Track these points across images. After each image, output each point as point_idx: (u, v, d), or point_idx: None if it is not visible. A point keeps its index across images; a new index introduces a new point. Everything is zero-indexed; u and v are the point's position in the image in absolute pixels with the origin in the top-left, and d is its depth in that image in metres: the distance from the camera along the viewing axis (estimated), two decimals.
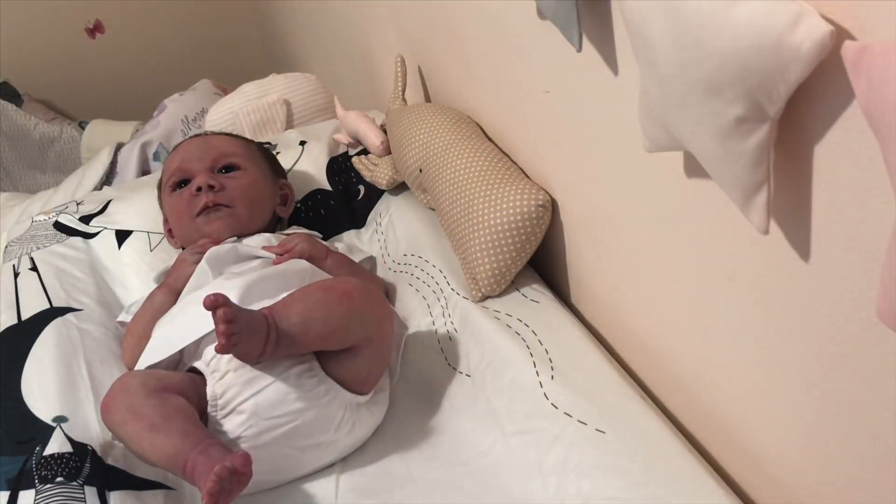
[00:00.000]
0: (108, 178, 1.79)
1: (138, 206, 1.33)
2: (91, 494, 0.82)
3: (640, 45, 0.59)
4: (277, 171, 1.28)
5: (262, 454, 0.85)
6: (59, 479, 0.83)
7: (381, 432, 0.95)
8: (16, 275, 1.19)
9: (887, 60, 0.39)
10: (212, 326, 0.83)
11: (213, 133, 1.34)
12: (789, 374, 0.65)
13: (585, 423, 0.81)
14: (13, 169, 2.21)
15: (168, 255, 1.24)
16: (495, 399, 0.89)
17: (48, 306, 1.11)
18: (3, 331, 1.07)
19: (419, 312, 1.06)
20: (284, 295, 0.91)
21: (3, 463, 0.85)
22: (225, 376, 0.89)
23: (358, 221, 1.31)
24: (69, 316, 1.10)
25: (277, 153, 1.36)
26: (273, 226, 1.22)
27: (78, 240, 1.28)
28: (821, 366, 0.60)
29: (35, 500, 0.81)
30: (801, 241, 0.57)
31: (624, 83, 0.72)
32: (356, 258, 1.15)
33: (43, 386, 0.96)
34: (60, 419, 0.91)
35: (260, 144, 1.32)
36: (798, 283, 0.59)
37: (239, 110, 1.63)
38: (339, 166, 1.35)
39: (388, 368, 0.99)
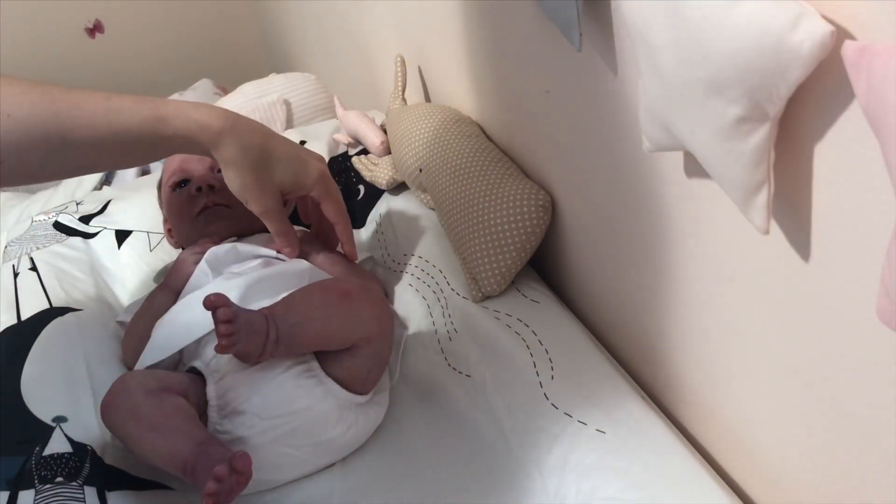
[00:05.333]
0: (107, 178, 1.79)
1: (138, 206, 1.33)
2: (91, 494, 0.82)
3: (641, 44, 0.59)
4: None
5: (262, 454, 0.85)
6: (59, 479, 0.83)
7: (381, 432, 0.95)
8: (15, 275, 1.19)
9: (887, 60, 0.39)
10: (212, 326, 0.83)
11: None
12: (789, 374, 0.65)
13: (585, 423, 0.81)
14: None
15: (168, 255, 1.24)
16: (495, 399, 0.89)
17: (48, 306, 1.11)
18: (3, 331, 1.07)
19: (419, 312, 1.06)
20: (284, 295, 0.91)
21: (2, 463, 0.85)
22: (225, 376, 0.90)
23: (358, 221, 1.30)
24: (69, 316, 1.10)
25: None
26: None
27: (78, 240, 1.28)
28: (821, 366, 0.60)
29: (35, 500, 0.81)
30: (801, 241, 0.57)
31: (624, 83, 0.72)
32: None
33: (43, 386, 0.96)
34: (60, 419, 0.91)
35: None
36: (798, 283, 0.59)
37: (239, 110, 1.63)
38: (339, 166, 1.35)
39: (388, 368, 0.99)
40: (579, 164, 0.90)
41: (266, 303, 0.91)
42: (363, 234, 1.29)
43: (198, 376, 0.92)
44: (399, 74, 1.28)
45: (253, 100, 1.66)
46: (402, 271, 1.14)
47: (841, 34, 0.45)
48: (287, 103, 1.67)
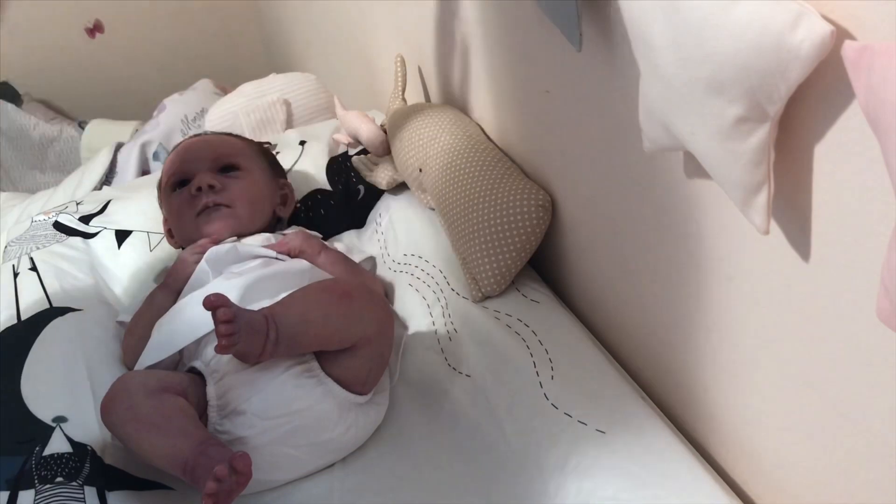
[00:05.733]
0: (107, 178, 1.79)
1: (138, 206, 1.33)
2: (91, 494, 0.82)
3: (640, 45, 0.59)
4: (277, 171, 1.28)
5: (261, 454, 0.85)
6: (59, 479, 0.83)
7: (381, 432, 0.95)
8: (15, 275, 1.19)
9: (887, 60, 0.39)
10: (212, 326, 0.83)
11: (213, 133, 1.34)
12: (789, 374, 0.64)
13: (585, 423, 0.81)
14: (13, 169, 2.21)
15: (168, 255, 1.24)
16: (495, 399, 0.89)
17: (48, 306, 1.11)
18: (3, 331, 1.07)
19: (419, 312, 1.06)
20: (284, 295, 0.91)
21: (3, 463, 0.85)
22: (225, 376, 0.89)
23: (358, 221, 1.30)
24: (69, 316, 1.10)
25: (277, 153, 1.36)
26: (273, 226, 1.22)
27: (78, 240, 1.28)
28: (821, 366, 0.60)
29: (35, 500, 0.81)
30: (801, 241, 0.57)
31: (624, 83, 0.72)
32: (356, 258, 1.15)
33: (43, 386, 0.96)
34: (60, 419, 0.91)
35: (260, 144, 1.32)
36: (798, 283, 0.59)
37: (239, 110, 1.63)
38: (339, 166, 1.35)
39: (388, 369, 0.99)
40: (579, 164, 0.90)
41: (266, 303, 0.91)
42: (363, 234, 1.29)
43: (198, 376, 0.92)
44: (399, 74, 1.28)
45: (253, 100, 1.66)
46: (402, 271, 1.14)
47: (841, 34, 0.45)
48: (287, 103, 1.67)
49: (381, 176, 1.25)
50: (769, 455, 0.72)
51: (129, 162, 1.79)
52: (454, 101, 1.22)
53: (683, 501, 0.72)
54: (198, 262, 1.07)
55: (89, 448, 0.88)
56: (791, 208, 0.56)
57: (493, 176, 1.01)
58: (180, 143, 1.30)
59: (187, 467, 0.79)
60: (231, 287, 0.95)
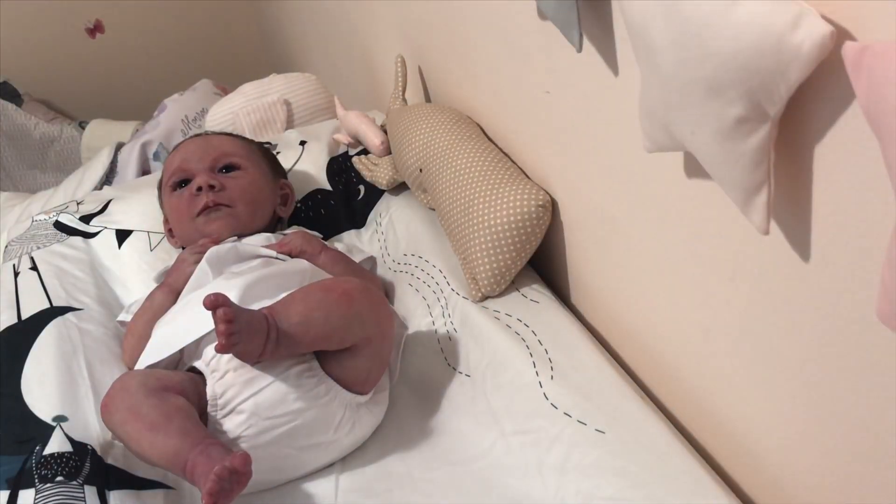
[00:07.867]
0: (108, 178, 1.79)
1: (138, 206, 1.33)
2: (91, 494, 0.82)
3: (641, 45, 0.59)
4: (278, 171, 1.28)
5: (261, 454, 0.85)
6: (59, 478, 0.83)
7: (381, 432, 0.95)
8: (16, 274, 1.19)
9: (887, 60, 0.39)
10: (212, 326, 0.83)
11: (214, 133, 1.34)
12: (789, 374, 0.65)
13: (585, 423, 0.81)
14: (13, 169, 2.21)
15: (168, 255, 1.24)
16: (495, 399, 0.89)
17: (48, 306, 1.11)
18: (3, 330, 1.07)
19: (419, 312, 1.06)
20: (284, 295, 0.91)
21: (3, 462, 0.85)
22: (225, 376, 0.90)
23: (358, 221, 1.31)
24: (69, 315, 1.10)
25: (277, 153, 1.36)
26: (273, 226, 1.22)
27: (78, 239, 1.28)
28: (821, 366, 0.60)
29: (35, 499, 0.81)
30: (801, 241, 0.57)
31: (624, 83, 0.72)
32: (356, 258, 1.15)
33: (43, 386, 0.96)
34: (60, 419, 0.91)
35: (260, 144, 1.32)
36: (798, 283, 0.59)
37: (239, 110, 1.63)
38: (339, 166, 1.35)
39: (388, 368, 0.99)
40: (579, 164, 0.90)
41: (266, 303, 0.91)
42: (363, 234, 1.29)
43: (198, 376, 0.92)
44: (399, 75, 1.28)
45: (253, 100, 1.66)
46: (402, 271, 1.14)
47: (841, 34, 0.45)
48: (287, 103, 1.67)
49: (381, 176, 1.25)
50: (769, 455, 0.72)
51: (129, 162, 1.79)
52: (454, 102, 1.22)
53: (683, 501, 0.72)
54: (198, 262, 1.07)
55: (90, 447, 0.88)
56: (791, 208, 0.57)
57: (493, 176, 1.01)
58: (180, 142, 1.30)
59: (187, 467, 0.79)
60: (231, 287, 0.95)
